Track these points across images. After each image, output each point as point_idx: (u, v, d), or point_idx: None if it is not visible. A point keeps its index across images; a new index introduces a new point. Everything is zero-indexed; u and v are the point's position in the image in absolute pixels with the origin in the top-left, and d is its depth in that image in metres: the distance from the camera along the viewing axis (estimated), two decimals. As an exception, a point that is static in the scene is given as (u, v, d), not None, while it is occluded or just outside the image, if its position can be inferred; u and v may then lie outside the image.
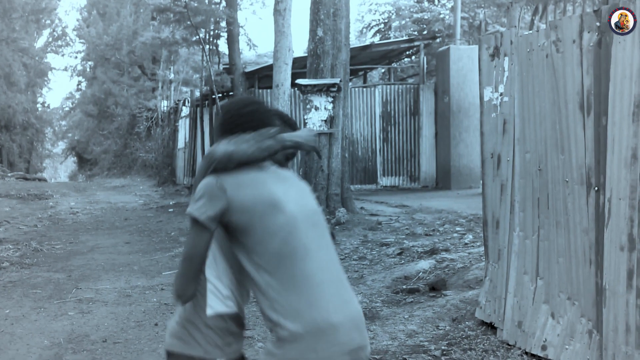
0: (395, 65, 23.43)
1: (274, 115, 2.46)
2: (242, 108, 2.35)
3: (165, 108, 30.40)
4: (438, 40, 22.31)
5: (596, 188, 3.83)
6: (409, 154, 18.84)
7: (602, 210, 3.76)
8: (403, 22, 26.26)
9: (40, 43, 42.38)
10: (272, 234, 2.11)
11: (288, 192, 2.21)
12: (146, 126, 32.12)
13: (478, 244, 7.71)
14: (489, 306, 4.97)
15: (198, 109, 21.00)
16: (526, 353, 4.41)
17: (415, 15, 25.93)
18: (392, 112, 18.77)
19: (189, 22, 16.81)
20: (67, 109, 48.49)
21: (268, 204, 2.14)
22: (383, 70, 24.35)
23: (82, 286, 7.66)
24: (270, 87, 14.06)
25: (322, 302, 2.09)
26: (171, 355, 2.26)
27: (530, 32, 4.62)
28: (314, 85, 11.43)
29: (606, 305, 3.73)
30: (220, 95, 17.55)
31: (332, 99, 11.50)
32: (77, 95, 45.35)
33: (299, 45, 42.36)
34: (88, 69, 41.35)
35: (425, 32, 24.04)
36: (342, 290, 2.19)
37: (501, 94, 4.84)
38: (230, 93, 17.88)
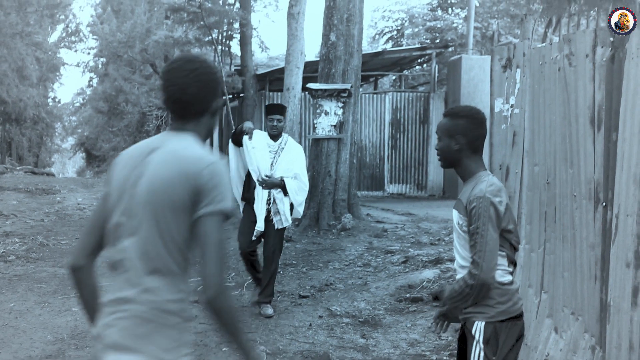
0: (407, 72, 23.43)
1: None
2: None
3: (175, 107, 30.35)
4: (450, 49, 22.29)
5: (604, 203, 3.82)
6: (417, 162, 18.82)
7: (609, 226, 3.75)
8: (416, 29, 26.25)
9: (53, 38, 42.54)
10: None
11: None
12: (156, 125, 32.16)
13: (483, 254, 7.69)
14: (492, 318, 4.96)
15: (208, 109, 21.03)
16: (528, 366, 4.39)
17: (428, 24, 25.93)
18: (402, 120, 18.76)
19: (202, 23, 16.86)
20: (77, 104, 48.58)
21: None
22: (394, 78, 24.34)
23: (87, 282, 7.67)
24: (281, 90, 14.08)
25: None
26: None
27: (543, 44, 4.62)
28: (325, 90, 11.44)
29: (610, 321, 3.71)
30: (230, 96, 17.59)
31: (343, 104, 11.51)
32: (88, 91, 45.46)
33: (311, 50, 42.34)
34: (100, 66, 41.45)
35: (437, 41, 24.03)
36: None
37: (512, 106, 4.84)
38: (241, 95, 17.90)
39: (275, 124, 6.52)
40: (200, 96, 2.20)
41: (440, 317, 3.11)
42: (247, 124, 6.36)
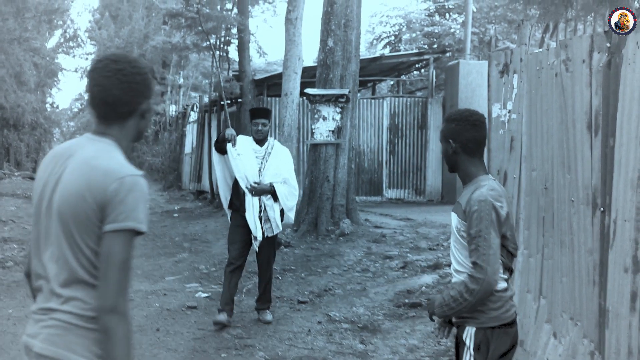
0: (405, 77, 23.45)
1: None
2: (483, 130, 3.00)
3: (173, 113, 30.48)
4: (448, 54, 22.35)
5: (602, 209, 3.82)
6: (415, 167, 18.82)
7: (607, 231, 3.76)
8: (414, 35, 26.33)
9: (51, 43, 42.58)
10: None
11: None
12: (154, 130, 32.20)
13: (482, 259, 7.69)
14: (491, 323, 4.95)
15: (206, 114, 21.04)
16: (527, 372, 4.39)
17: (426, 29, 26.01)
18: (400, 125, 18.77)
19: (200, 28, 16.85)
20: (75, 110, 48.71)
21: None
22: (392, 83, 24.37)
23: (85, 288, 7.66)
24: (279, 96, 14.08)
25: None
26: None
27: (540, 50, 4.63)
28: (323, 95, 11.44)
29: (609, 326, 3.71)
30: (229, 102, 17.59)
31: (340, 110, 11.51)
32: (86, 96, 45.48)
33: (309, 55, 42.53)
34: (98, 71, 41.44)
35: (435, 46, 24.10)
36: None
37: (509, 111, 4.85)
38: (239, 100, 17.91)
39: (260, 128, 6.31)
40: (125, 98, 2.06)
41: (444, 322, 3.09)
42: (229, 131, 6.21)
